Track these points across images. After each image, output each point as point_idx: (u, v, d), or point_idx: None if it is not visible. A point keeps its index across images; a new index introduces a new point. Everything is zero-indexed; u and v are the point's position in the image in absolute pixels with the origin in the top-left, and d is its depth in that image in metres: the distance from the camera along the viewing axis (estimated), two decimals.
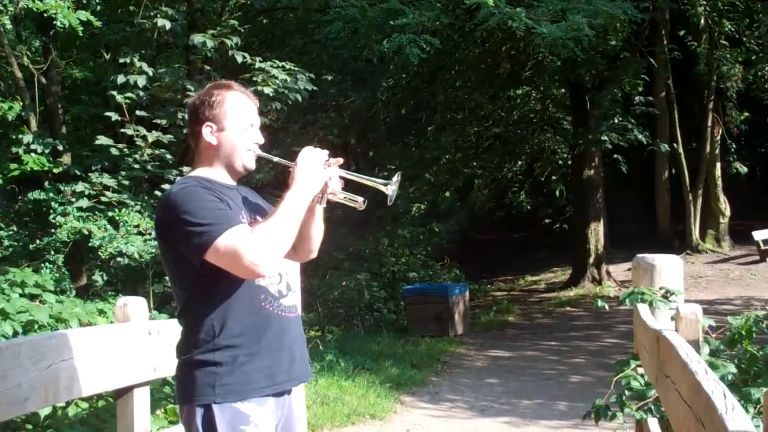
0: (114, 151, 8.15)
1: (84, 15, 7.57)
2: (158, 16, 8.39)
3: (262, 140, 2.13)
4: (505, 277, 17.94)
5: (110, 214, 7.58)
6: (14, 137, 8.54)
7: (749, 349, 2.47)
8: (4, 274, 4.84)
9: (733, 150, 18.73)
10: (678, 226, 18.07)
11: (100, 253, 7.30)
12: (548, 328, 11.04)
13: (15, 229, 8.71)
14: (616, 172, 16.27)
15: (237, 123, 2.08)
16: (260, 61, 8.25)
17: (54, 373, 2.40)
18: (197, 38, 8.21)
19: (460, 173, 18.23)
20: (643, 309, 2.90)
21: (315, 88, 9.06)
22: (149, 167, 8.16)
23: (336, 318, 10.57)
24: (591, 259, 14.84)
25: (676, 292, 3.00)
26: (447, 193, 20.05)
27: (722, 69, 15.74)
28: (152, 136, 8.07)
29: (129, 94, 8.07)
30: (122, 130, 8.28)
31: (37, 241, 7.97)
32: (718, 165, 17.69)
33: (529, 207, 19.83)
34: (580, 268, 15.04)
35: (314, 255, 2.25)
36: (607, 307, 3.38)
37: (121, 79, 7.97)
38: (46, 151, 8.44)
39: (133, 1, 9.28)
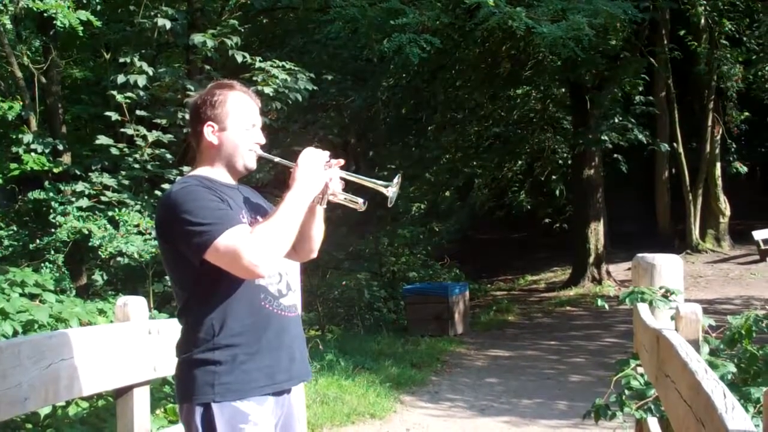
0: (114, 151, 8.15)
1: (84, 15, 7.57)
2: (158, 15, 8.39)
3: (263, 140, 2.13)
4: (505, 277, 17.94)
5: (110, 213, 7.58)
6: (14, 137, 8.54)
7: (749, 348, 2.47)
8: (4, 274, 4.84)
9: (733, 150, 18.73)
10: (678, 226, 18.07)
11: (100, 252, 7.30)
12: (548, 327, 11.04)
13: (15, 228, 8.71)
14: (616, 172, 16.26)
15: (238, 123, 2.08)
16: (260, 61, 8.25)
17: (54, 373, 2.40)
18: (197, 38, 8.21)
19: (460, 173, 18.24)
20: (643, 308, 2.90)
21: (315, 87, 9.05)
22: (149, 167, 8.16)
23: (336, 317, 10.57)
24: (591, 259, 14.84)
25: (676, 292, 3.00)
26: (447, 193, 20.06)
27: (722, 69, 15.74)
28: (152, 136, 8.07)
29: (129, 94, 8.08)
30: (122, 129, 8.28)
31: (37, 241, 7.97)
32: (718, 165, 17.69)
33: (529, 206, 19.83)
34: (580, 267, 15.04)
35: (314, 255, 2.25)
36: (607, 306, 3.38)
37: (121, 78, 7.97)
38: (46, 151, 8.44)
39: (133, 0, 9.28)
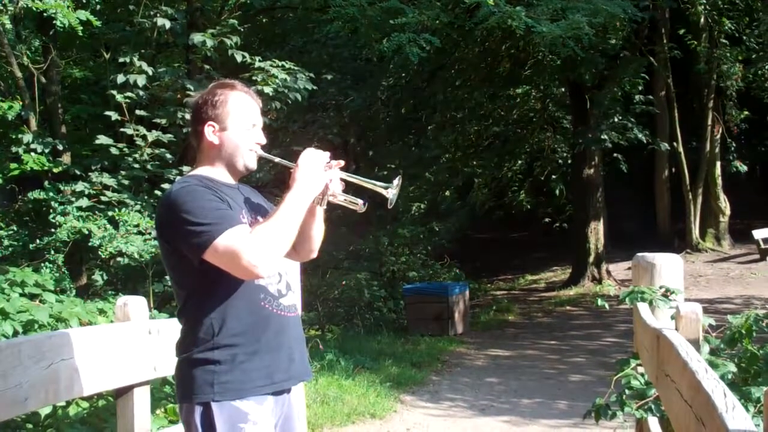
0: (114, 151, 8.15)
1: (84, 14, 7.57)
2: (158, 15, 8.39)
3: (264, 141, 2.13)
4: (504, 277, 17.95)
5: (110, 213, 7.58)
6: (14, 137, 8.54)
7: (749, 348, 2.47)
8: (4, 274, 4.84)
9: (733, 149, 18.74)
10: (678, 225, 18.07)
11: (100, 252, 7.30)
12: (548, 327, 11.04)
13: (15, 228, 8.71)
14: (616, 171, 16.27)
15: (239, 123, 2.08)
16: (260, 61, 8.25)
17: (54, 373, 2.40)
18: (197, 37, 8.20)
19: (459, 172, 18.24)
20: (643, 308, 2.90)
21: (315, 87, 9.06)
22: (149, 167, 8.16)
23: (336, 317, 10.56)
24: (591, 258, 14.84)
25: (676, 291, 3.00)
26: (447, 193, 20.06)
27: (722, 68, 15.75)
28: (152, 136, 8.07)
29: (129, 94, 8.08)
30: (122, 129, 8.28)
31: (37, 241, 7.97)
32: (718, 164, 17.69)
33: (528, 206, 19.83)
34: (580, 267, 15.04)
35: (314, 255, 2.25)
36: (607, 306, 3.38)
37: (120, 78, 7.97)
38: (46, 151, 8.44)
39: (133, 0, 9.28)
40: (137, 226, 7.35)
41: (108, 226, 7.46)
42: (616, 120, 14.52)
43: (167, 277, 2.92)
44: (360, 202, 2.13)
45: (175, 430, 3.13)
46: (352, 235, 12.28)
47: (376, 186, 2.09)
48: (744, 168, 18.44)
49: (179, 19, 8.83)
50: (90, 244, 7.36)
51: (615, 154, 15.50)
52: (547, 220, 19.92)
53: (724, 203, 17.57)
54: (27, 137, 8.32)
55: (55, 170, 8.46)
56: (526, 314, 12.56)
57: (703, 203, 17.46)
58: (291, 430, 2.11)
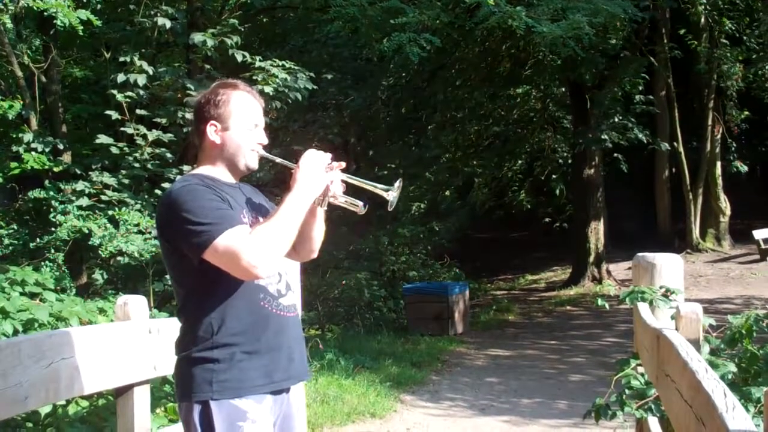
0: (114, 150, 8.15)
1: (84, 14, 7.57)
2: (158, 14, 8.39)
3: (266, 141, 2.13)
4: (505, 276, 17.95)
5: (110, 212, 7.59)
6: (15, 136, 8.55)
7: (749, 348, 2.47)
8: (5, 273, 4.84)
9: (733, 149, 18.73)
10: (678, 225, 18.08)
11: (100, 251, 7.31)
12: (548, 327, 11.04)
13: (15, 227, 8.71)
14: (616, 171, 16.26)
15: (241, 123, 2.08)
16: (260, 60, 8.25)
17: (54, 372, 2.40)
18: (197, 37, 8.21)
19: (460, 172, 18.23)
20: (643, 308, 2.90)
21: (315, 87, 9.06)
22: (149, 166, 8.16)
23: (336, 317, 10.56)
24: (591, 258, 14.84)
25: (676, 291, 3.00)
26: (447, 192, 20.05)
27: (722, 68, 15.75)
28: (152, 135, 8.07)
29: (129, 93, 8.08)
30: (122, 128, 8.29)
31: (38, 240, 7.97)
32: (719, 164, 17.69)
33: (529, 206, 19.82)
34: (580, 267, 15.04)
35: (315, 255, 2.25)
36: (607, 306, 3.38)
37: (121, 77, 7.97)
38: (47, 150, 8.44)
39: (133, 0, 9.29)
40: (137, 225, 7.35)
41: (108, 225, 7.46)
42: (616, 120, 14.52)
43: (167, 277, 2.92)
44: (360, 203, 2.13)
45: (176, 429, 3.13)
46: (352, 235, 12.28)
47: (377, 188, 2.09)
48: (744, 168, 18.44)
49: (180, 18, 8.83)
50: (90, 243, 7.37)
51: (615, 154, 15.50)
52: (547, 219, 19.92)
53: (725, 203, 17.57)
54: (27, 136, 8.33)
55: (55, 169, 8.46)
56: (526, 314, 12.56)
57: (704, 203, 17.45)
58: (290, 429, 2.12)
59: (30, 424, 3.53)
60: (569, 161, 16.66)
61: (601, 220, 15.21)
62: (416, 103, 16.43)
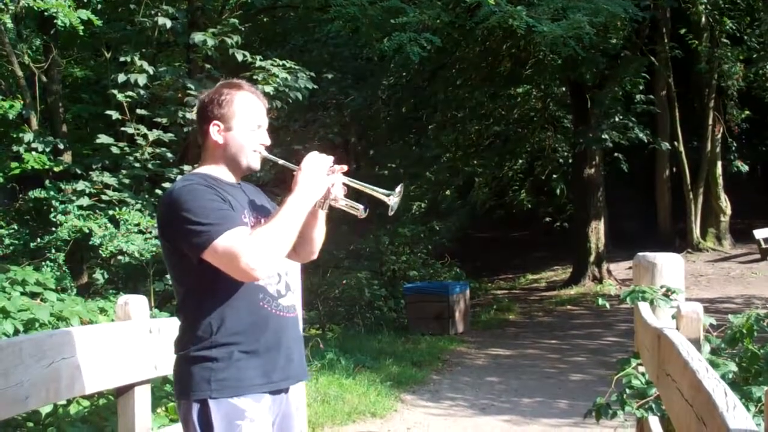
0: (115, 150, 8.15)
1: (85, 14, 7.57)
2: (159, 14, 8.40)
3: (268, 142, 2.14)
4: (505, 276, 17.95)
5: (111, 212, 7.59)
6: (15, 136, 8.55)
7: (750, 347, 2.47)
8: (5, 273, 4.84)
9: (734, 148, 18.72)
10: (679, 225, 18.07)
11: (100, 251, 7.31)
12: (549, 326, 11.04)
13: (16, 227, 8.72)
14: (616, 171, 16.26)
15: (244, 123, 2.08)
16: (261, 60, 8.25)
17: (55, 371, 2.40)
18: (198, 37, 8.21)
19: (460, 172, 18.23)
20: (644, 307, 2.90)
21: (315, 86, 9.06)
22: (150, 166, 8.17)
23: (336, 316, 10.56)
24: (592, 258, 14.84)
25: (677, 291, 3.00)
26: (447, 192, 20.05)
27: (723, 67, 15.75)
28: (153, 135, 8.07)
29: (130, 93, 8.08)
30: (123, 128, 8.29)
31: (38, 240, 7.98)
32: (719, 163, 17.68)
33: (529, 205, 19.82)
34: (580, 266, 15.04)
35: (315, 257, 2.26)
36: (608, 305, 3.37)
37: (121, 77, 7.98)
38: (47, 150, 8.45)
39: None
40: (138, 225, 7.35)
41: (109, 225, 7.46)
42: (616, 119, 14.51)
43: (168, 276, 2.92)
44: (360, 207, 2.14)
45: (176, 428, 3.12)
46: (353, 234, 12.28)
47: (378, 192, 2.09)
48: (745, 168, 18.43)
49: (180, 18, 8.83)
50: (91, 242, 7.37)
51: (616, 154, 15.50)
52: (547, 219, 19.92)
53: (725, 203, 17.56)
54: (28, 136, 8.33)
55: (56, 169, 8.47)
56: (527, 313, 12.56)
57: (704, 203, 17.45)
58: (289, 428, 2.12)
59: (31, 424, 3.53)
60: (570, 161, 16.66)
61: (602, 220, 15.21)
62: (417, 103, 16.43)
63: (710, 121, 17.26)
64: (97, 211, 7.76)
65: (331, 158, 2.06)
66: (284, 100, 8.30)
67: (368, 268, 12.28)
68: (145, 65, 8.15)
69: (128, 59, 8.25)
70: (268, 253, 1.87)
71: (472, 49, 13.83)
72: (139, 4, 8.89)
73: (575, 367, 7.65)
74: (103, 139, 8.17)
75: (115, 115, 8.23)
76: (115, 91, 8.08)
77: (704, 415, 1.45)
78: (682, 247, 16.49)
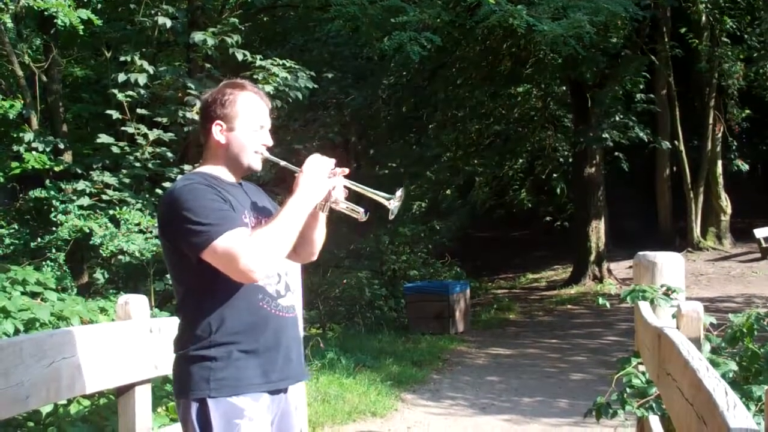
0: (115, 150, 8.16)
1: (85, 13, 7.57)
2: (159, 14, 8.40)
3: (270, 143, 2.13)
4: (505, 275, 17.95)
5: (111, 212, 7.59)
6: (15, 135, 8.55)
7: (750, 346, 2.47)
8: (6, 272, 4.84)
9: (734, 147, 18.72)
10: (679, 224, 18.06)
11: (101, 251, 7.31)
12: (549, 325, 11.04)
13: (16, 227, 8.72)
14: (617, 170, 16.25)
15: (247, 124, 2.08)
16: (261, 59, 8.25)
17: (55, 371, 2.40)
18: (198, 36, 8.21)
19: (460, 171, 18.22)
20: (644, 307, 2.90)
21: (315, 86, 9.05)
22: (150, 165, 8.17)
23: (337, 316, 10.56)
24: (592, 257, 14.83)
25: (677, 290, 3.00)
26: (448, 191, 20.05)
27: (724, 66, 15.74)
28: (153, 134, 8.07)
29: (130, 92, 8.08)
30: (123, 128, 8.29)
31: (39, 239, 7.98)
32: (720, 162, 17.67)
33: (529, 205, 19.81)
34: (581, 265, 15.04)
35: (315, 258, 2.26)
36: (608, 304, 3.38)
37: (121, 77, 7.98)
38: (47, 150, 8.45)
39: None
40: (138, 224, 7.35)
41: (109, 224, 7.46)
42: (617, 119, 14.51)
43: (168, 276, 2.92)
44: (361, 210, 2.14)
45: (177, 428, 3.12)
46: (353, 234, 12.28)
47: (379, 196, 2.10)
48: (745, 167, 18.42)
49: (180, 17, 8.83)
50: (91, 242, 7.37)
51: (616, 153, 15.49)
52: (548, 218, 19.91)
53: (726, 202, 17.56)
54: (28, 136, 8.33)
55: (56, 169, 8.47)
56: (527, 313, 12.56)
57: (705, 202, 17.44)
58: (288, 428, 2.12)
59: (31, 424, 3.53)
60: (570, 160, 16.65)
61: (602, 219, 15.20)
62: (417, 102, 16.42)
63: (711, 120, 17.25)
64: (97, 210, 7.77)
65: (333, 161, 2.05)
66: (284, 100, 8.30)
67: (369, 267, 12.29)
68: (146, 65, 8.15)
69: (128, 59, 8.25)
70: (267, 256, 1.88)
71: (472, 49, 13.82)
72: (139, 4, 8.89)
73: (575, 367, 7.65)
74: (103, 138, 8.17)
75: (115, 114, 8.23)
76: (115, 91, 8.08)
77: (705, 415, 1.45)
78: (682, 246, 16.49)
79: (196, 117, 7.70)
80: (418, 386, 6.79)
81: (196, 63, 9.03)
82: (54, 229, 7.65)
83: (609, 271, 14.98)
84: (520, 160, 18.78)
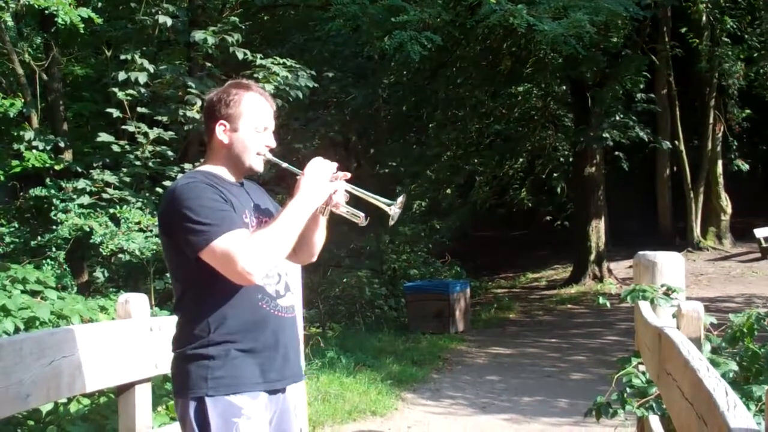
0: (115, 148, 8.16)
1: (85, 12, 7.57)
2: (159, 12, 8.40)
3: (274, 144, 2.13)
4: (506, 275, 17.95)
5: (111, 210, 7.60)
6: (16, 134, 8.55)
7: (751, 346, 2.47)
8: (6, 271, 4.84)
9: (734, 147, 18.72)
10: (679, 224, 18.06)
11: (101, 249, 7.31)
12: (549, 325, 11.04)
13: (16, 225, 8.73)
14: (617, 170, 16.26)
15: (250, 125, 2.08)
16: (261, 58, 8.25)
17: (56, 370, 2.40)
18: (198, 35, 8.21)
19: (461, 170, 18.21)
20: (644, 306, 2.90)
21: (316, 85, 9.06)
22: (150, 164, 8.17)
23: (337, 315, 10.56)
24: (592, 257, 14.83)
25: (677, 290, 3.00)
26: (448, 191, 20.03)
27: (724, 66, 15.74)
28: (153, 133, 8.08)
29: (130, 91, 8.08)
30: (123, 126, 8.29)
31: (39, 238, 7.98)
32: (720, 162, 17.68)
33: (530, 204, 19.81)
34: (581, 265, 15.04)
35: (314, 259, 2.26)
36: (608, 304, 3.37)
37: (122, 75, 7.98)
38: (48, 148, 8.45)
39: None
40: (138, 223, 7.35)
41: (109, 223, 7.47)
42: (617, 118, 14.50)
43: (168, 274, 2.92)
44: (361, 215, 2.14)
45: (177, 427, 3.12)
46: (353, 233, 12.29)
47: (380, 201, 2.09)
48: (745, 166, 18.42)
49: (181, 16, 8.83)
50: (91, 241, 7.37)
51: (616, 153, 15.49)
52: (548, 218, 19.93)
53: (726, 202, 17.56)
54: (28, 134, 8.34)
55: (56, 167, 8.47)
56: (527, 312, 12.56)
57: (705, 202, 17.45)
58: (287, 427, 2.12)
59: (31, 422, 3.53)
60: (570, 159, 16.64)
61: (602, 219, 15.20)
62: (417, 101, 16.42)
63: (711, 120, 17.25)
64: (97, 209, 7.77)
65: (335, 164, 2.05)
66: (285, 99, 8.30)
67: (369, 266, 12.30)
68: (146, 63, 8.15)
69: (129, 57, 8.25)
70: (265, 258, 1.87)
71: (472, 48, 13.81)
72: (139, 3, 8.88)
73: (575, 366, 7.65)
74: (103, 137, 8.17)
75: (115, 113, 8.23)
76: (115, 89, 8.09)
77: (705, 414, 1.45)
78: (682, 246, 16.49)
79: (197, 116, 7.71)
80: (418, 385, 6.79)
81: (196, 62, 9.03)
82: (54, 227, 7.65)
83: (609, 270, 14.98)
84: (521, 160, 18.77)
